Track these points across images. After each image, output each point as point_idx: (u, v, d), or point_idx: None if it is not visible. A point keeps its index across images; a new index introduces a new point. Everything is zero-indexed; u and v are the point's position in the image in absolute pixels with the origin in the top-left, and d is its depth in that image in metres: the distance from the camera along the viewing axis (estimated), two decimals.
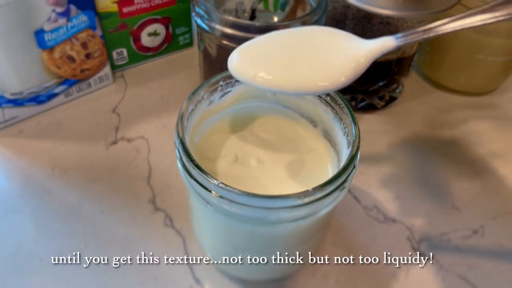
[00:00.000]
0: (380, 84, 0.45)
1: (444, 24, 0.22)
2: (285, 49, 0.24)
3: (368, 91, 0.45)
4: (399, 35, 0.24)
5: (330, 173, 0.30)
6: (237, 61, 0.25)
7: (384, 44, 0.24)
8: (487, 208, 0.39)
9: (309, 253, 0.32)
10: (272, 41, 0.25)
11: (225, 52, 0.38)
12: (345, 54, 0.23)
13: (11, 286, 0.32)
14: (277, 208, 0.23)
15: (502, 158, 0.44)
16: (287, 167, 0.30)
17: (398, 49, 0.41)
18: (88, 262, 0.34)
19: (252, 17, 0.45)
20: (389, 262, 0.35)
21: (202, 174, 0.24)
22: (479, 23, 0.22)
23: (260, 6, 0.45)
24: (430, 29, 0.23)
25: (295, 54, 0.24)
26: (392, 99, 0.47)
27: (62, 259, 0.34)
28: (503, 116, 0.49)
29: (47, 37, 0.40)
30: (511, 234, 0.37)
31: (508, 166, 0.43)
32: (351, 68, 0.23)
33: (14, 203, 0.37)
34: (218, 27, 0.37)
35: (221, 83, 0.30)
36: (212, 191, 0.24)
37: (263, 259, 0.30)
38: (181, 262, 0.34)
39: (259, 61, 0.24)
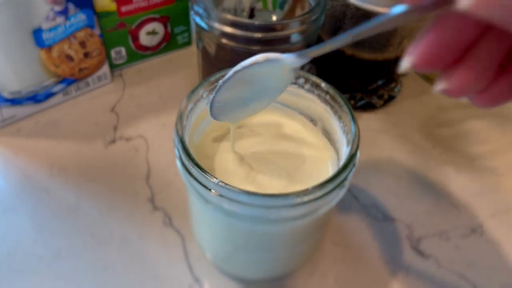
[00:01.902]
0: (379, 83, 0.45)
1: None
2: (236, 94, 0.27)
3: (367, 90, 0.45)
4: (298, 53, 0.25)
5: (330, 171, 0.30)
6: (213, 116, 0.28)
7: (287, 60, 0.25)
8: (486, 206, 0.39)
9: (308, 251, 0.32)
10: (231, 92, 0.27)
11: (224, 51, 0.38)
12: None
13: (9, 285, 0.32)
14: (277, 206, 0.23)
15: (501, 157, 0.44)
16: (286, 166, 0.30)
17: (397, 47, 0.42)
18: (86, 261, 0.34)
19: (251, 15, 0.45)
20: (388, 261, 0.35)
21: (202, 172, 0.24)
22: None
23: (259, 4, 0.45)
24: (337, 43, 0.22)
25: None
26: (391, 98, 0.48)
27: (60, 258, 0.34)
28: (502, 115, 0.49)
29: (45, 35, 0.40)
30: (510, 233, 0.37)
31: (507, 164, 0.43)
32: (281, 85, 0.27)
33: (12, 202, 0.37)
34: (217, 25, 0.36)
35: (220, 81, 0.30)
36: (212, 190, 0.24)
37: (262, 258, 0.30)
38: (180, 261, 0.34)
39: (225, 112, 0.28)
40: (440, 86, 0.18)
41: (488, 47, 0.17)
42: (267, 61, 0.24)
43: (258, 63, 0.24)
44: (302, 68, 0.42)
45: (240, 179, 0.29)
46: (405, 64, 0.18)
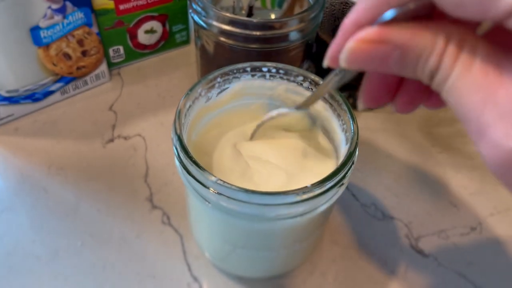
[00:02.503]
0: None
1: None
2: None
3: None
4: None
5: (329, 169, 0.30)
6: None
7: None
8: (485, 205, 0.39)
9: (307, 250, 0.32)
10: None
11: (222, 49, 0.38)
12: None
13: (7, 285, 0.32)
14: (276, 204, 0.23)
15: None
16: (285, 164, 0.30)
17: None
18: (85, 261, 0.33)
19: (250, 14, 0.44)
20: (387, 259, 0.35)
21: (200, 170, 0.23)
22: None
23: (258, 3, 0.45)
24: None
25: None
26: None
27: (59, 257, 0.33)
28: None
29: (43, 34, 0.40)
30: (509, 231, 0.37)
31: None
32: None
33: (10, 201, 0.37)
34: (215, 24, 0.36)
35: (218, 79, 0.30)
36: (210, 188, 0.24)
37: (261, 257, 0.30)
38: (178, 260, 0.34)
39: None
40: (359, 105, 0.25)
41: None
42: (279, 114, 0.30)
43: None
44: (301, 66, 0.41)
45: (238, 177, 0.28)
46: (360, 106, 0.25)
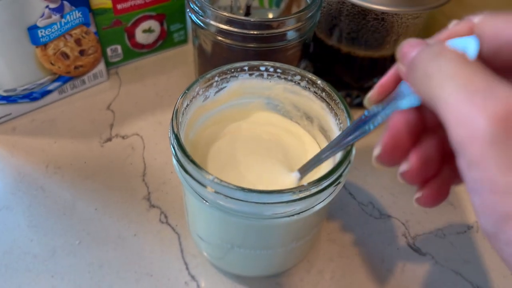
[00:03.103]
0: (375, 80, 0.45)
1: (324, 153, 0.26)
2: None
3: (363, 87, 0.46)
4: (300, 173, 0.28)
5: (326, 168, 0.30)
6: None
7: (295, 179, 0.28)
8: None
9: (305, 249, 0.32)
10: None
11: (220, 48, 0.38)
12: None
13: (4, 283, 0.32)
14: (273, 203, 0.23)
15: None
16: (282, 162, 0.30)
17: (393, 45, 0.42)
18: (82, 259, 0.33)
19: (247, 13, 0.44)
20: (384, 258, 0.35)
21: (197, 169, 0.24)
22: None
23: (255, 2, 0.45)
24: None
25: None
26: None
27: (56, 256, 0.34)
28: None
29: (40, 33, 0.40)
30: None
31: None
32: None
33: (8, 200, 0.37)
34: (213, 23, 0.36)
35: (216, 78, 0.30)
36: (207, 187, 0.24)
37: (258, 255, 0.30)
38: (176, 258, 0.34)
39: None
40: (401, 168, 0.21)
41: (430, 141, 0.20)
42: None
43: None
44: (299, 65, 0.42)
45: (236, 176, 0.29)
46: (375, 152, 0.22)
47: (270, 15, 0.46)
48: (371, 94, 0.22)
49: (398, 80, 0.21)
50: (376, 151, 0.21)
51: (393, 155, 0.21)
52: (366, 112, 0.22)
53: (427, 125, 0.20)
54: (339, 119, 0.29)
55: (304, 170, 0.28)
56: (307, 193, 0.23)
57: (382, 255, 0.35)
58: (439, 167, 0.21)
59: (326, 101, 0.30)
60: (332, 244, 0.36)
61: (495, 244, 0.16)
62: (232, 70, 0.30)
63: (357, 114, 0.46)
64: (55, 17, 0.40)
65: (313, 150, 0.32)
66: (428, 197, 0.21)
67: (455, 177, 0.21)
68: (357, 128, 0.23)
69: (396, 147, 0.20)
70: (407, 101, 0.20)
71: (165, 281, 0.33)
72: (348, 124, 0.27)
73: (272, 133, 0.32)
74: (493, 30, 0.18)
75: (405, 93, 0.20)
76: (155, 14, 0.48)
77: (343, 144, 0.24)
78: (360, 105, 0.47)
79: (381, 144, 0.21)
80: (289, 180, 0.28)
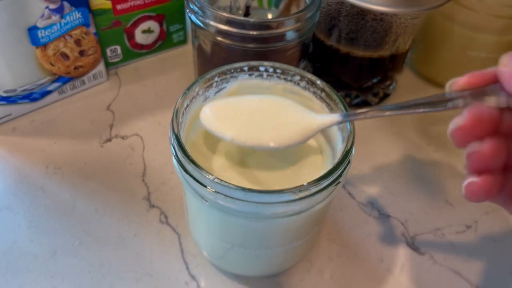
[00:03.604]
0: (374, 80, 0.45)
1: (389, 110, 0.26)
2: (250, 113, 0.29)
3: (362, 87, 0.46)
4: (345, 113, 0.28)
5: (325, 168, 0.30)
6: (208, 116, 0.29)
7: (331, 120, 0.28)
8: (480, 203, 0.39)
9: (304, 248, 0.32)
10: (241, 104, 0.29)
11: (219, 49, 0.38)
12: (299, 123, 0.28)
13: (5, 284, 0.32)
14: (272, 202, 0.24)
15: None
16: (282, 162, 0.30)
17: (392, 45, 0.42)
18: (82, 260, 0.34)
19: (246, 14, 0.45)
20: (383, 257, 0.35)
21: (197, 169, 0.24)
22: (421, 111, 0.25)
23: (254, 3, 0.45)
24: (374, 112, 0.26)
25: (259, 117, 0.29)
26: (386, 95, 0.48)
27: (57, 256, 0.34)
28: None
29: (40, 34, 0.40)
30: (504, 229, 0.38)
31: None
32: (301, 134, 0.28)
33: (8, 201, 0.37)
34: (212, 23, 0.37)
35: (216, 79, 0.30)
36: (208, 186, 0.24)
37: (258, 255, 0.30)
38: (176, 258, 0.34)
39: (228, 119, 0.28)
40: (473, 147, 0.22)
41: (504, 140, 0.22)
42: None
43: None
44: (298, 65, 0.42)
45: (235, 176, 0.29)
46: (455, 124, 0.22)
47: (269, 16, 0.46)
48: (460, 80, 0.23)
49: (492, 79, 0.22)
50: (455, 123, 0.22)
51: (470, 133, 0.22)
52: (448, 94, 0.23)
53: (501, 129, 0.22)
54: None
55: (352, 115, 0.27)
56: (307, 192, 0.24)
57: (381, 254, 0.35)
58: (503, 170, 0.22)
59: (325, 101, 0.30)
60: (332, 243, 0.36)
61: None
62: (232, 71, 0.31)
63: None
64: (55, 17, 0.40)
65: (314, 149, 0.32)
66: (482, 185, 0.22)
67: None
68: (432, 104, 0.24)
69: (475, 127, 0.21)
70: (496, 100, 0.22)
71: (165, 281, 0.33)
72: (348, 125, 0.27)
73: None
74: None
75: (496, 92, 0.22)
76: (154, 14, 0.48)
77: (410, 111, 0.25)
78: (359, 105, 0.47)
79: (463, 119, 0.22)
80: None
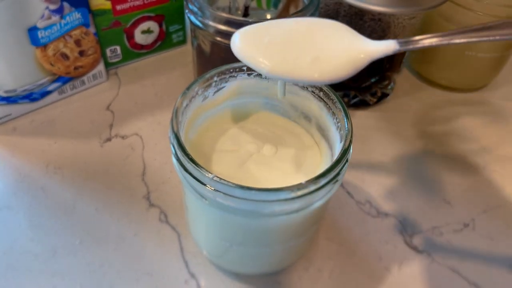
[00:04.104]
0: (372, 80, 0.46)
1: (450, 36, 0.22)
2: (288, 38, 0.24)
3: (360, 87, 0.46)
4: (402, 40, 0.24)
5: (324, 167, 0.30)
6: (240, 43, 0.25)
7: (387, 47, 0.24)
8: (478, 202, 0.40)
9: (303, 247, 0.33)
10: (276, 28, 0.25)
11: (218, 49, 0.39)
12: (347, 51, 0.24)
13: (5, 283, 0.32)
14: (271, 201, 0.24)
15: (493, 153, 0.44)
16: (281, 161, 0.30)
17: None
18: (82, 259, 0.34)
19: (245, 14, 0.45)
20: (382, 256, 0.35)
21: (197, 168, 0.24)
22: (475, 40, 0.22)
23: (253, 3, 0.46)
24: (433, 39, 0.23)
25: (298, 44, 0.24)
26: (384, 95, 0.48)
27: (57, 256, 0.34)
28: (494, 112, 0.49)
29: (40, 34, 0.40)
30: (502, 228, 0.38)
31: (499, 161, 0.44)
32: (349, 65, 0.24)
33: (8, 200, 0.37)
34: (211, 24, 0.37)
35: (215, 78, 0.30)
36: (207, 185, 0.24)
37: (257, 253, 0.30)
38: (176, 257, 0.34)
39: (261, 46, 0.25)
40: None
41: None
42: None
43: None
44: None
45: (235, 175, 0.29)
46: None
47: (268, 16, 0.46)
48: None
49: None
50: None
51: None
52: None
53: None
54: (336, 119, 0.29)
55: (406, 41, 0.24)
56: (305, 191, 0.24)
57: (379, 253, 0.36)
58: None
59: (324, 100, 0.30)
60: (330, 242, 0.36)
61: None
62: (231, 70, 0.31)
63: (355, 114, 0.47)
64: (55, 18, 0.40)
65: (312, 148, 0.32)
66: None
67: None
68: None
69: None
70: None
71: (165, 280, 0.33)
72: (346, 124, 0.27)
73: (272, 132, 0.33)
74: None
75: None
76: (154, 15, 0.48)
77: (482, 39, 0.21)
78: (357, 105, 0.47)
79: None
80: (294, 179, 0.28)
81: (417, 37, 0.23)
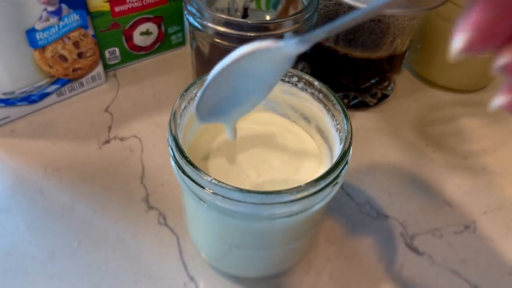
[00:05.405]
0: (372, 81, 0.45)
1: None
2: (228, 90, 0.25)
3: (360, 88, 0.46)
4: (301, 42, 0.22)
5: (323, 169, 0.30)
6: (200, 118, 0.27)
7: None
8: (478, 203, 0.40)
9: (303, 249, 0.33)
10: (217, 86, 0.24)
11: (217, 51, 0.38)
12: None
13: (3, 285, 0.32)
14: (270, 203, 0.24)
15: (493, 155, 0.44)
16: (280, 163, 0.30)
17: (390, 46, 0.42)
18: (81, 262, 0.34)
19: (244, 15, 0.45)
20: (382, 258, 0.35)
21: (195, 170, 0.24)
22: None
23: (252, 4, 0.45)
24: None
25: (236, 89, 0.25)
26: (384, 96, 0.48)
27: (55, 258, 0.34)
28: (494, 113, 0.49)
29: (38, 36, 0.40)
30: (502, 229, 0.38)
31: (499, 162, 0.43)
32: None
33: (6, 203, 0.37)
34: (210, 25, 0.37)
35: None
36: (206, 188, 0.24)
37: (257, 256, 0.30)
38: (175, 260, 0.34)
39: (215, 112, 0.26)
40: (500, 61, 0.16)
41: None
42: (262, 51, 0.21)
43: (253, 52, 0.21)
44: (296, 67, 0.42)
45: (233, 177, 0.29)
46: (457, 45, 0.15)
47: (267, 17, 0.46)
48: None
49: None
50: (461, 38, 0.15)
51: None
52: None
53: None
54: (336, 120, 0.29)
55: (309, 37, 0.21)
56: (305, 193, 0.24)
57: (379, 255, 0.35)
58: None
59: (323, 102, 0.30)
60: (330, 244, 0.36)
61: None
62: None
63: (355, 115, 0.47)
64: (53, 20, 0.40)
65: (312, 150, 0.32)
66: None
67: None
68: None
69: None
70: None
71: (163, 283, 0.33)
72: (345, 126, 0.27)
73: (271, 132, 0.33)
74: None
75: None
76: (152, 16, 0.48)
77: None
78: (357, 106, 0.47)
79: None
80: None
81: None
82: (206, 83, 0.23)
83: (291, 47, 0.21)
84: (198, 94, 0.23)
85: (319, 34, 0.20)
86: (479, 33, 0.14)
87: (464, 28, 0.15)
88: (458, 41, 0.15)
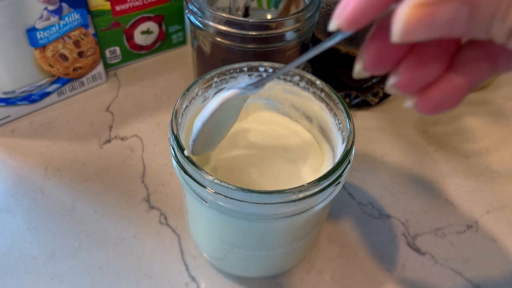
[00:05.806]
0: (374, 80, 0.45)
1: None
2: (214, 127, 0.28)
3: (361, 87, 0.46)
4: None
5: (325, 168, 0.30)
6: (197, 154, 0.29)
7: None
8: (481, 203, 0.39)
9: (305, 249, 0.32)
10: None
11: (219, 49, 0.38)
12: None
13: (4, 286, 0.32)
14: (272, 203, 0.23)
15: (496, 154, 0.44)
16: (282, 163, 0.30)
17: None
18: (82, 261, 0.33)
19: (246, 14, 0.45)
20: (384, 257, 0.35)
21: (197, 170, 0.24)
22: None
23: (254, 3, 0.45)
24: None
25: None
26: (386, 95, 0.48)
27: (56, 258, 0.33)
28: (497, 112, 0.49)
29: (39, 35, 0.40)
30: (505, 229, 0.38)
31: (502, 161, 0.43)
32: None
33: (6, 203, 0.37)
34: (211, 24, 0.36)
35: (215, 79, 0.30)
36: (207, 187, 0.24)
37: (258, 256, 0.30)
38: (176, 260, 0.34)
39: (206, 145, 0.29)
40: (391, 80, 0.19)
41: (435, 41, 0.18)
42: (234, 96, 0.26)
43: (229, 99, 0.26)
44: (298, 66, 0.42)
45: (235, 177, 0.29)
46: (357, 67, 0.20)
47: (269, 16, 0.46)
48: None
49: None
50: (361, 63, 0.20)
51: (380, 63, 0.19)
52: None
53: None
54: (338, 119, 0.29)
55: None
56: (307, 193, 0.23)
57: (381, 255, 0.35)
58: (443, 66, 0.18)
59: (325, 101, 0.30)
60: (332, 244, 0.36)
61: None
62: (231, 71, 0.31)
63: (356, 114, 0.47)
64: (54, 19, 0.40)
65: (314, 149, 0.32)
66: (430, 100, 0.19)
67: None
68: None
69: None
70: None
71: (165, 283, 0.33)
72: (348, 125, 0.27)
73: (273, 131, 0.32)
74: None
75: None
76: (153, 15, 0.48)
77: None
78: (359, 105, 0.47)
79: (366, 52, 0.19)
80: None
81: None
82: (198, 128, 0.27)
83: (251, 91, 0.26)
84: (193, 137, 0.27)
85: (273, 77, 0.26)
86: (371, 59, 0.19)
87: (360, 54, 0.20)
88: (357, 65, 0.21)
